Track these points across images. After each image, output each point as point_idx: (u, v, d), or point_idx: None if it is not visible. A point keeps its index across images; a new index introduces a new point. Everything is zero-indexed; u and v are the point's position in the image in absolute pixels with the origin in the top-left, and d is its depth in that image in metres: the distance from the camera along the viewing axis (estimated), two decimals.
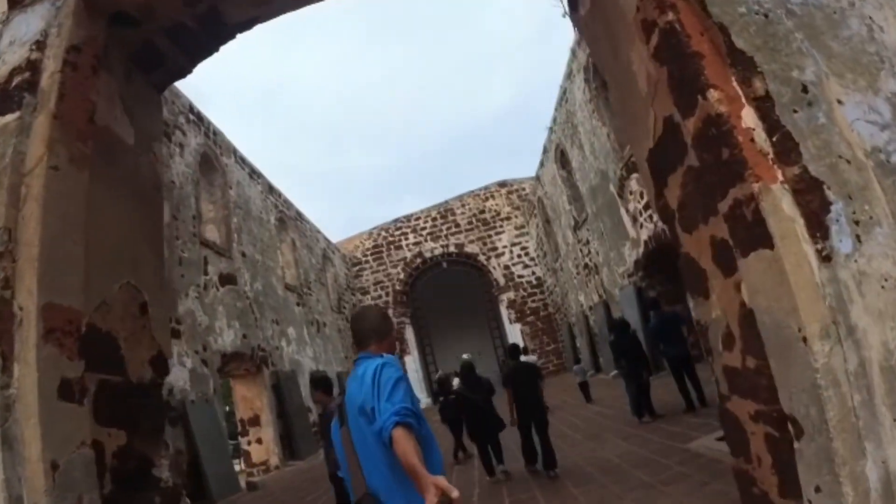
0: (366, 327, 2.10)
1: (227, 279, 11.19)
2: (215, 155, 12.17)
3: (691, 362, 6.77)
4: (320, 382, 4.62)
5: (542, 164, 17.69)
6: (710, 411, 6.10)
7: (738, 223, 1.66)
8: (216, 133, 12.39)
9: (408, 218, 22.98)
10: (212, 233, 11.71)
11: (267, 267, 13.37)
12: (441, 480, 1.47)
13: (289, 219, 16.03)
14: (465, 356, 7.39)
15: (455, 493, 1.44)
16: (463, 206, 22.75)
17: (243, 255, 12.22)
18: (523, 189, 22.31)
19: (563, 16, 11.76)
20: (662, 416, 6.69)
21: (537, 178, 18.71)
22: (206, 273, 10.42)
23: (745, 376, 1.91)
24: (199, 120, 11.77)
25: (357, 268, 22.83)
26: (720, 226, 1.83)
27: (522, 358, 10.78)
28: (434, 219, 22.77)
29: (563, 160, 15.34)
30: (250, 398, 11.88)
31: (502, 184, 22.79)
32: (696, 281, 2.18)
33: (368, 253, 22.91)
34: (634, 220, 11.10)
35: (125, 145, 2.73)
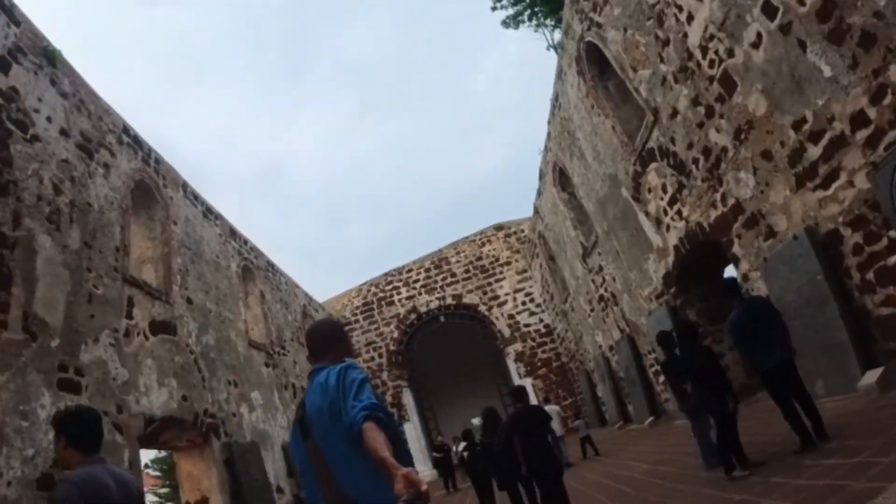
0: (317, 342, 2.10)
1: (162, 327, 9.04)
2: (156, 185, 10.43)
3: (798, 375, 4.45)
4: (66, 424, 2.36)
5: (539, 194, 15.98)
6: (843, 445, 3.78)
7: None
8: (159, 161, 10.74)
9: (399, 271, 21.02)
10: (148, 273, 9.74)
11: (223, 319, 11.22)
12: (411, 472, 1.43)
13: (256, 268, 14.06)
14: (473, 421, 6.65)
15: (424, 486, 1.40)
16: (458, 253, 20.87)
17: (189, 301, 10.13)
18: (522, 231, 20.53)
19: (548, 49, 10.13)
20: (763, 464, 4.29)
21: (536, 210, 16.94)
22: (129, 317, 8.31)
23: None
24: (137, 144, 10.14)
25: (346, 328, 20.41)
26: None
27: (546, 407, 8.97)
28: (427, 269, 20.80)
29: (562, 180, 13.61)
30: (197, 476, 9.36)
31: (499, 227, 21.05)
32: None
33: (358, 311, 20.73)
34: (658, 222, 9.12)
35: None
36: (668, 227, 8.86)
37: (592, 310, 14.03)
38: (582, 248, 13.31)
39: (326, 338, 2.10)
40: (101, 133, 9.23)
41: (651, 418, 10.84)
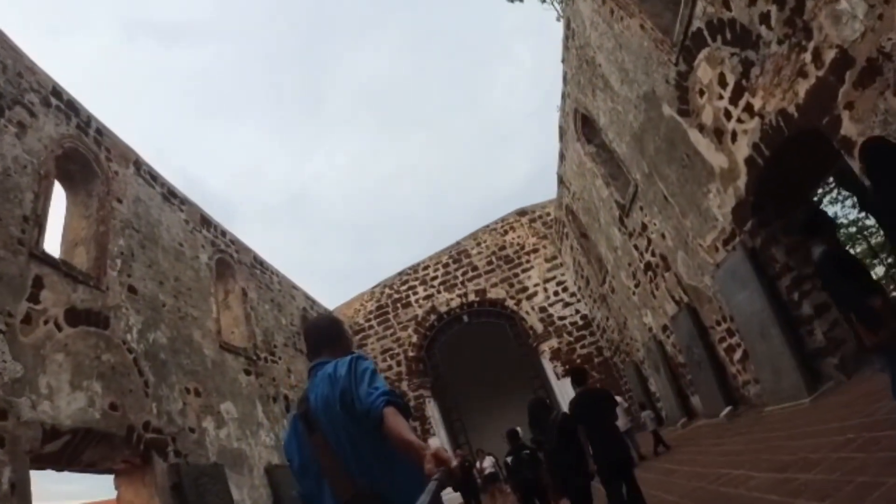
0: (316, 337, 2.06)
1: (87, 317, 7.19)
2: (95, 157, 8.78)
3: None
4: None
5: (561, 159, 13.70)
6: None
7: None
8: (101, 132, 9.11)
9: (414, 268, 18.94)
10: (80, 255, 8.03)
11: (184, 315, 9.34)
12: (440, 450, 1.42)
13: (238, 263, 12.23)
14: (512, 428, 6.42)
15: (454, 462, 1.40)
16: (478, 244, 18.65)
17: (131, 290, 8.30)
18: (547, 213, 18.19)
19: (557, 20, 7.32)
20: None
21: (560, 180, 14.63)
22: (34, 300, 6.51)
23: None
24: (72, 110, 8.56)
25: (360, 335, 18.49)
26: None
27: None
28: (445, 265, 18.64)
29: (586, 131, 11.35)
30: None
31: (522, 212, 18.76)
32: None
33: (372, 316, 18.68)
34: (719, 134, 6.74)
35: None
36: (733, 136, 6.47)
37: (637, 284, 11.52)
38: (618, 208, 10.92)
39: (325, 333, 2.06)
40: (18, 90, 7.69)
41: (728, 408, 8.23)
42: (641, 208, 9.91)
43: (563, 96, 11.69)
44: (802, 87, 5.18)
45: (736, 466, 4.35)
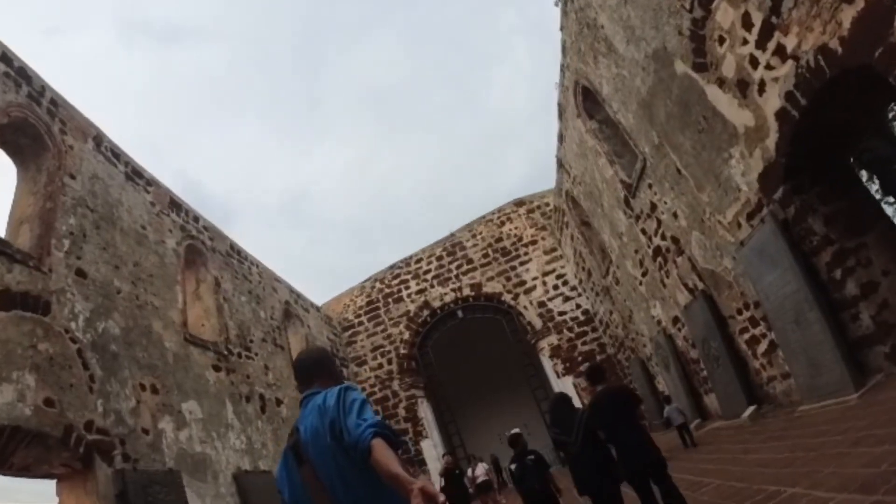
0: (305, 369, 2.04)
1: (24, 301, 6.30)
2: (48, 130, 7.89)
3: None
4: None
5: (560, 140, 12.81)
6: None
7: None
8: (56, 104, 8.22)
9: (406, 262, 18.05)
10: (24, 235, 7.15)
11: (143, 303, 8.44)
12: (427, 485, 1.38)
13: (211, 251, 11.31)
14: (514, 431, 5.79)
15: (441, 498, 1.37)
16: (474, 236, 17.75)
17: (80, 273, 7.40)
18: (546, 204, 17.31)
19: (556, 4, 6.71)
20: None
21: (559, 164, 13.73)
22: None
23: None
24: (23, 78, 7.68)
25: (349, 332, 17.59)
26: None
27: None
28: (439, 258, 17.75)
29: (588, 106, 10.46)
30: None
31: (519, 202, 17.87)
32: None
33: (362, 312, 17.78)
34: (743, 86, 5.84)
35: None
36: (761, 87, 5.57)
37: (645, 273, 10.61)
38: (623, 188, 10.01)
39: (314, 364, 2.04)
40: None
41: (752, 408, 7.31)
42: (650, 186, 9.01)
43: (562, 69, 10.80)
44: (848, 15, 4.29)
45: (786, 482, 3.39)
